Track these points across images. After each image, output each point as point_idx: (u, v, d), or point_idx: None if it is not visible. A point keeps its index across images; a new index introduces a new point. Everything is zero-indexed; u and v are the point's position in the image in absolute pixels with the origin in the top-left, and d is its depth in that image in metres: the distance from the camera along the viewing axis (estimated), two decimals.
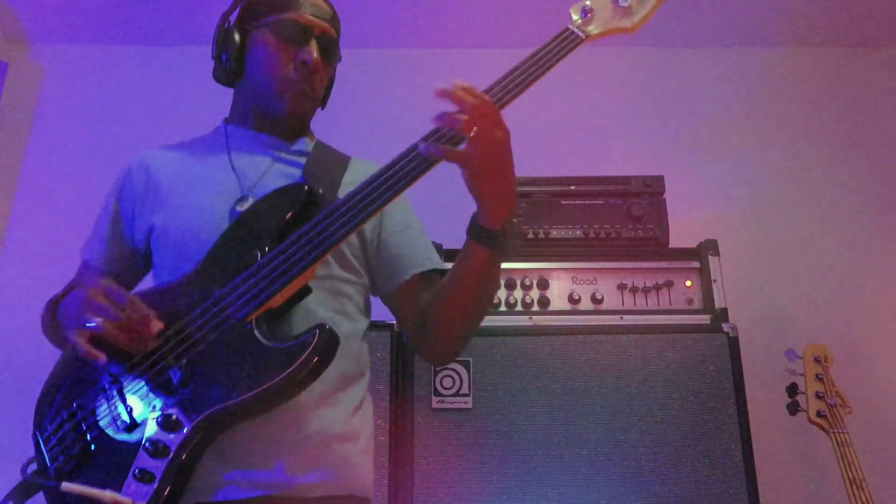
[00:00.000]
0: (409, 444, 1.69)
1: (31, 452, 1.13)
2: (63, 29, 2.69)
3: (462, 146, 1.01)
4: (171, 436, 0.99)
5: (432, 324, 1.21)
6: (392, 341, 1.78)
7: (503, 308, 1.88)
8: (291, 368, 0.98)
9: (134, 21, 2.65)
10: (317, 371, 1.00)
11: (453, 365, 1.75)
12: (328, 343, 1.00)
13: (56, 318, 1.13)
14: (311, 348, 0.99)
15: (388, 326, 1.77)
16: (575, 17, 1.16)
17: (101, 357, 1.00)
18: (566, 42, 1.14)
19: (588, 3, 1.17)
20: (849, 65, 2.73)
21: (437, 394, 1.74)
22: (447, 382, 1.75)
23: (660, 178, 2.01)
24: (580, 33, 1.15)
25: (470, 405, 1.72)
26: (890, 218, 2.53)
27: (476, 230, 1.08)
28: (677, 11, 2.53)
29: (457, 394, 1.73)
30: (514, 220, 1.09)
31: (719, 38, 2.71)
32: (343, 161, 1.30)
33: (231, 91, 1.38)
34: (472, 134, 0.98)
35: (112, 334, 0.99)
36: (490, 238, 1.07)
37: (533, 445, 1.69)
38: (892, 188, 2.57)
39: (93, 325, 0.99)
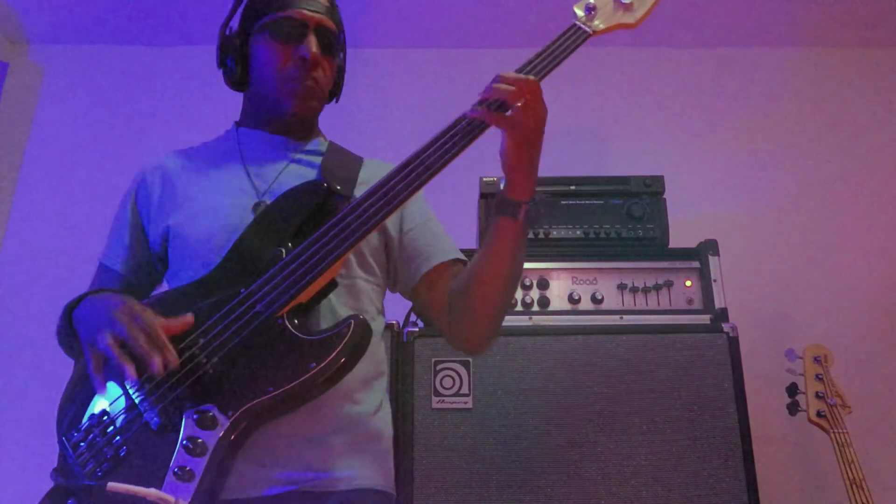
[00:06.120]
0: (409, 444, 1.69)
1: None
2: (63, 29, 2.69)
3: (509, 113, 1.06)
4: (209, 433, 0.99)
5: (465, 306, 1.20)
6: (392, 341, 1.77)
7: None
8: (329, 358, 1.00)
9: (134, 21, 2.65)
10: (352, 361, 1.02)
11: (453, 365, 1.75)
12: (363, 333, 1.03)
13: (72, 325, 1.11)
14: (347, 338, 1.01)
15: (388, 326, 1.77)
16: (579, 13, 1.20)
17: (103, 390, 1.00)
18: (575, 37, 1.17)
19: (591, 0, 1.20)
20: (849, 65, 2.73)
21: (437, 394, 1.73)
22: (447, 382, 1.74)
23: (660, 178, 2.01)
24: (587, 28, 1.19)
25: (470, 405, 1.72)
26: (891, 217, 2.53)
27: (506, 205, 1.11)
28: (677, 11, 2.53)
29: (457, 394, 1.73)
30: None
31: (719, 38, 2.71)
32: (357, 161, 1.31)
33: (232, 92, 1.38)
34: (520, 103, 1.04)
35: (125, 369, 0.97)
36: (520, 210, 1.10)
37: (533, 445, 1.69)
38: (892, 187, 2.58)
39: (108, 352, 0.98)
